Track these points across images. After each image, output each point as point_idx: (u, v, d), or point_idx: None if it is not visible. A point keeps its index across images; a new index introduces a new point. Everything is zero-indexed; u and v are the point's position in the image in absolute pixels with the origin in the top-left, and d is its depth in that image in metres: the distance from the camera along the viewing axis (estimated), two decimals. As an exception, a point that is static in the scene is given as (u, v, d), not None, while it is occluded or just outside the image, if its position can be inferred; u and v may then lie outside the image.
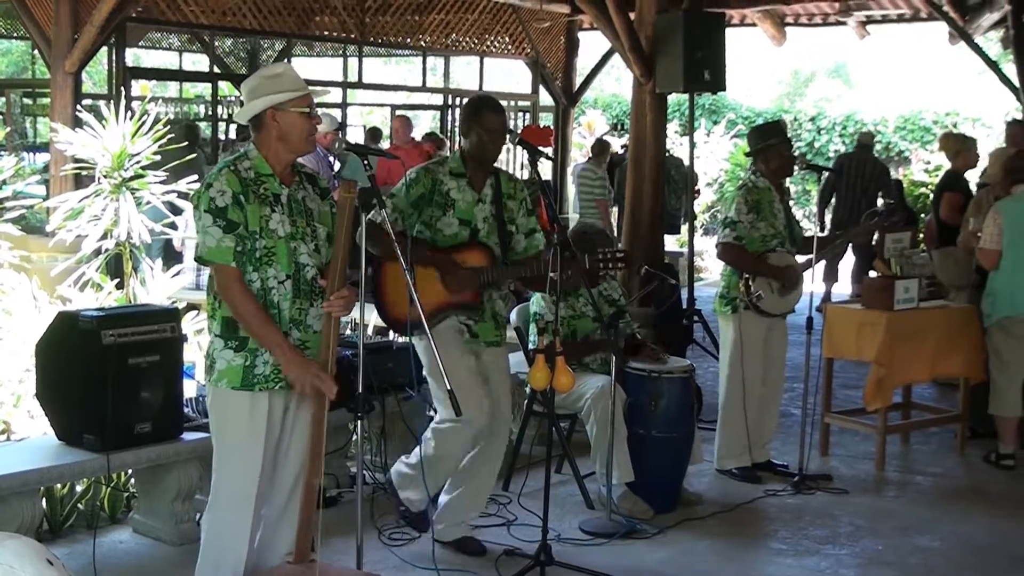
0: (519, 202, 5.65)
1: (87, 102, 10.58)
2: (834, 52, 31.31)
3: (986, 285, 7.72)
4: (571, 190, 16.47)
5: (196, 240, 4.41)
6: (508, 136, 5.64)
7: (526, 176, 14.64)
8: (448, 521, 5.72)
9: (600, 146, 14.52)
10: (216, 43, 15.11)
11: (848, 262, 13.79)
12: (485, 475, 5.74)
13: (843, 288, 13.78)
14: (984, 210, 8.10)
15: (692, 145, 10.70)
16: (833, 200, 13.58)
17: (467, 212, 5.47)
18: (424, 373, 5.55)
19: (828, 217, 14.76)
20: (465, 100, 5.94)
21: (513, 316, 7.22)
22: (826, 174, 7.87)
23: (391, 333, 6.59)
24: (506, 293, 5.78)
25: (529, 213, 5.70)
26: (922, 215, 14.48)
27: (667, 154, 11.48)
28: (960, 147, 10.84)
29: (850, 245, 12.02)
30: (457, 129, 5.68)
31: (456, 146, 5.73)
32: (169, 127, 7.65)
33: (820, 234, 7.01)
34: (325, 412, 4.37)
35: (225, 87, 15.73)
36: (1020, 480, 7.44)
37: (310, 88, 4.51)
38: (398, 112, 15.09)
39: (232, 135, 14.92)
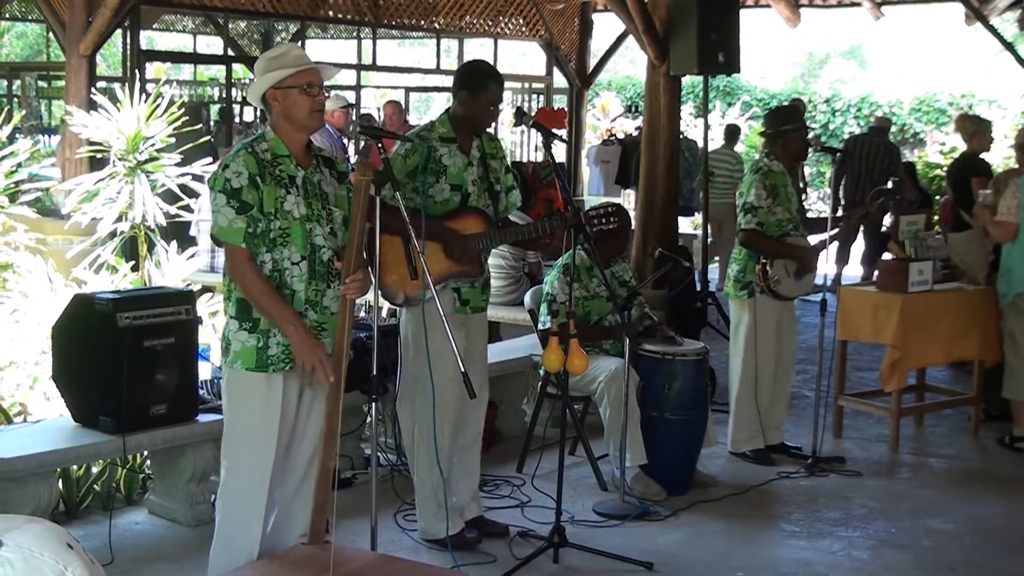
0: (500, 160, 5.66)
1: (101, 85, 10.61)
2: (849, 33, 31.17)
3: (1000, 265, 7.69)
4: (585, 172, 16.46)
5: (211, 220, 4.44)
6: (522, 119, 5.63)
7: (540, 158, 14.64)
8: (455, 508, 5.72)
9: (731, 131, 14.54)
10: (230, 25, 15.10)
11: (859, 245, 13.76)
12: (472, 451, 5.72)
13: (853, 271, 13.74)
14: (1002, 191, 8.07)
15: (706, 127, 10.69)
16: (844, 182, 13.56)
17: (458, 177, 5.44)
18: (404, 349, 5.49)
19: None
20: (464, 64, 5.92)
21: (527, 298, 7.24)
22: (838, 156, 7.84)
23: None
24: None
25: (507, 170, 5.72)
26: (936, 197, 14.43)
27: (681, 136, 11.45)
28: (976, 128, 10.79)
29: (862, 229, 12.01)
30: (453, 91, 5.61)
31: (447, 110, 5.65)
32: (182, 110, 7.65)
33: (831, 215, 6.99)
34: (340, 394, 4.38)
35: (239, 69, 15.76)
36: (1034, 462, 7.45)
37: (318, 65, 4.51)
38: (387, 96, 15.04)
39: (247, 118, 14.96)
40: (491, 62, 16.26)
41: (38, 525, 1.75)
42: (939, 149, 18.76)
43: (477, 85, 5.45)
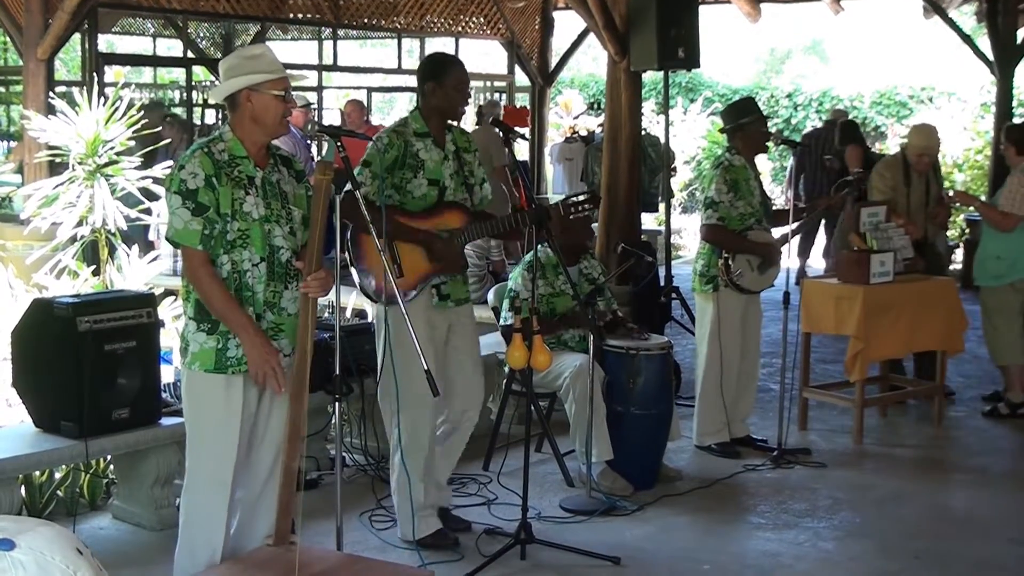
0: (473, 153, 5.70)
1: (60, 89, 10.51)
2: (810, 28, 31.35)
3: (986, 248, 7.95)
4: (548, 170, 16.46)
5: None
6: (484, 117, 5.63)
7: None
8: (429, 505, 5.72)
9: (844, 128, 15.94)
10: (190, 28, 15.03)
11: (822, 238, 13.84)
12: (456, 442, 5.78)
13: (815, 263, 13.83)
14: (896, 177, 8.22)
15: (668, 123, 10.71)
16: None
17: (436, 171, 5.46)
18: (385, 352, 5.43)
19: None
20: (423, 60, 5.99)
21: (491, 296, 7.24)
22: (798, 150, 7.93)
23: (369, 314, 6.57)
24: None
25: (480, 163, 5.76)
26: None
27: (643, 132, 11.46)
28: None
29: (824, 221, 12.09)
30: (419, 87, 5.64)
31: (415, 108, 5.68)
32: (141, 112, 7.59)
33: (793, 207, 7.03)
34: (305, 395, 4.36)
35: (200, 72, 15.65)
36: (995, 450, 7.51)
37: (288, 72, 4.50)
38: (350, 97, 15.00)
39: (208, 120, 14.87)
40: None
41: (50, 529, 1.77)
42: (900, 142, 18.87)
43: (441, 73, 5.51)
